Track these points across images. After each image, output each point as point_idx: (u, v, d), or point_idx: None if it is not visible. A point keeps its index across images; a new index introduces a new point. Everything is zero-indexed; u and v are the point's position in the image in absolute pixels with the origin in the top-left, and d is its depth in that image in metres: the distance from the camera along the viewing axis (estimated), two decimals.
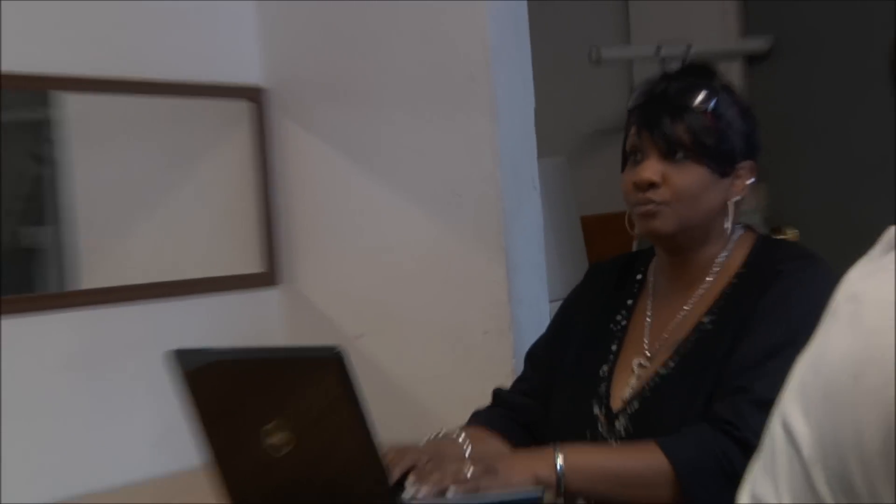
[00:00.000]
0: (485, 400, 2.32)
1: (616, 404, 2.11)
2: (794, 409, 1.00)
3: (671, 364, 2.08)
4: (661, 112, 2.08)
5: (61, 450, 2.56)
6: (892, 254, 1.01)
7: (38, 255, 2.67)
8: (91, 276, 2.70)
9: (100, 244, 2.74)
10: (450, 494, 1.98)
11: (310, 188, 2.96)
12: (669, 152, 2.07)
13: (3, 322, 2.49)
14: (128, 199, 2.79)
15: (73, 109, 2.69)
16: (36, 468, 2.52)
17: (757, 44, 4.10)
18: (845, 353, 0.96)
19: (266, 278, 2.96)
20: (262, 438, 1.99)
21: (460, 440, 2.14)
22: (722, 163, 2.09)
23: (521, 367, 2.36)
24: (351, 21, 2.89)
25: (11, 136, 2.66)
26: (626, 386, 2.12)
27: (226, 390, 2.08)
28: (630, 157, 2.12)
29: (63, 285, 2.67)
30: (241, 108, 2.94)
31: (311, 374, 1.97)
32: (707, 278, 2.13)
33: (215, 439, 2.07)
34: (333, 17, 2.92)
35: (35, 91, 2.63)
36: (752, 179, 2.14)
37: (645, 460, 1.97)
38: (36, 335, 2.56)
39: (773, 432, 1.02)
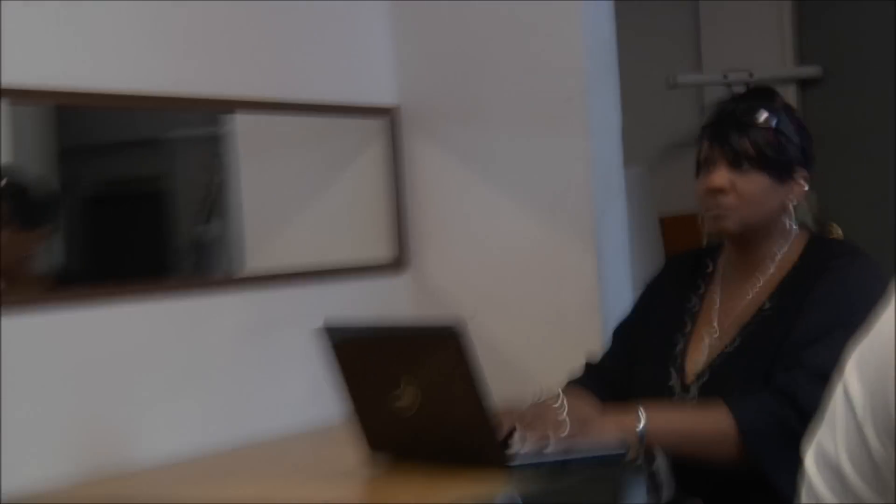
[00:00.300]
0: (578, 368, 2.32)
1: (689, 376, 2.10)
2: (853, 377, 1.03)
3: (737, 342, 2.07)
4: (730, 128, 2.09)
5: (230, 404, 2.58)
6: None
7: (208, 247, 2.70)
8: (254, 264, 2.72)
9: (261, 237, 2.77)
10: (548, 449, 1.99)
11: (434, 192, 2.95)
12: (736, 163, 2.07)
13: (180, 301, 2.53)
14: (284, 200, 2.82)
15: (240, 126, 2.70)
16: (216, 416, 2.52)
17: (810, 71, 4.06)
18: (893, 331, 1.00)
19: (397, 266, 2.98)
20: (393, 398, 2.01)
21: (559, 402, 2.12)
22: (781, 171, 2.08)
23: (608, 342, 2.36)
24: (470, 51, 2.86)
25: (188, 150, 2.71)
26: (697, 359, 2.12)
27: (366, 357, 2.10)
28: (702, 167, 2.12)
29: (224, 272, 2.69)
30: (378, 123, 2.94)
31: (433, 344, 1.99)
32: (768, 269, 2.11)
33: (356, 397, 2.09)
34: (456, 47, 2.89)
35: (207, 111, 2.63)
36: (807, 186, 2.12)
37: (713, 421, 1.97)
38: (209, 312, 2.58)
39: (836, 396, 1.05)
